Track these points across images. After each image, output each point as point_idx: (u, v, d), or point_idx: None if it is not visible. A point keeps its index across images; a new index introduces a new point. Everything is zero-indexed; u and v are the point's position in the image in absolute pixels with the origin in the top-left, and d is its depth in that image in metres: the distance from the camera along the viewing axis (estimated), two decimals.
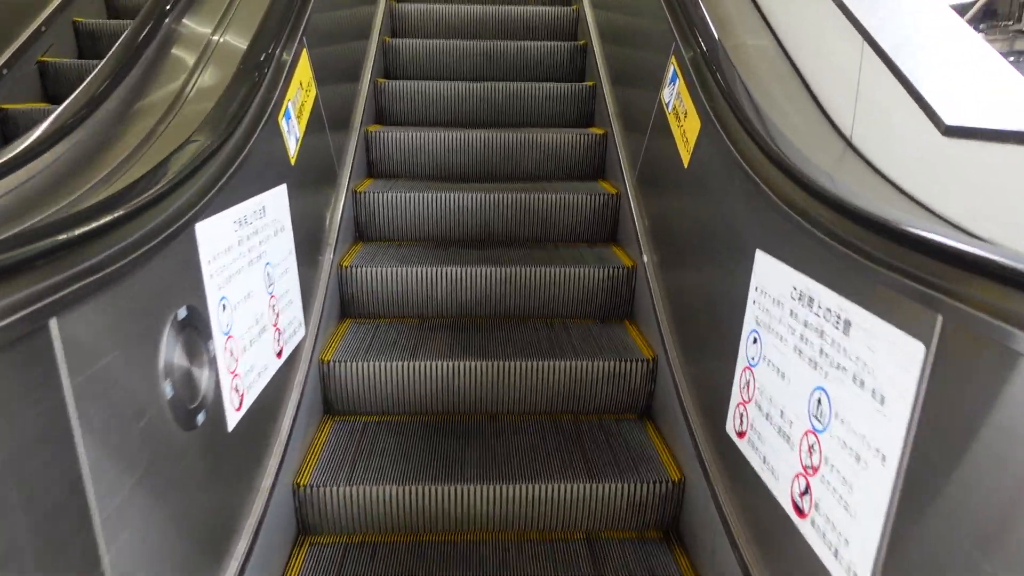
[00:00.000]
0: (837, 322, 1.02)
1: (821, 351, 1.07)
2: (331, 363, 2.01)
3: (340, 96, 2.50)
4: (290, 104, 1.74)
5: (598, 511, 1.79)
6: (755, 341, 1.32)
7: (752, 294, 1.34)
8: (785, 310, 1.19)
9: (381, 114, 3.13)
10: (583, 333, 2.26)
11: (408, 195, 2.58)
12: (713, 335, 1.62)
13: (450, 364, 2.03)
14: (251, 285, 1.39)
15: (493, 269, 2.31)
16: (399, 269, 2.30)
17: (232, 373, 1.28)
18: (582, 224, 2.65)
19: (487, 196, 2.59)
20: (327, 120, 2.17)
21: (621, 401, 2.10)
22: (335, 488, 1.74)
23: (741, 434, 1.39)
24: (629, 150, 2.58)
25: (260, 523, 1.43)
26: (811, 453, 1.09)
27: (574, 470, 1.82)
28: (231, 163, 1.29)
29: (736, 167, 1.42)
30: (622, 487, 1.78)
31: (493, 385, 2.05)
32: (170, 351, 1.04)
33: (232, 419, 1.29)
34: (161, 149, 1.18)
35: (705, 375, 1.68)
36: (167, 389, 1.03)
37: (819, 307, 1.08)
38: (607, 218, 2.64)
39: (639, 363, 2.06)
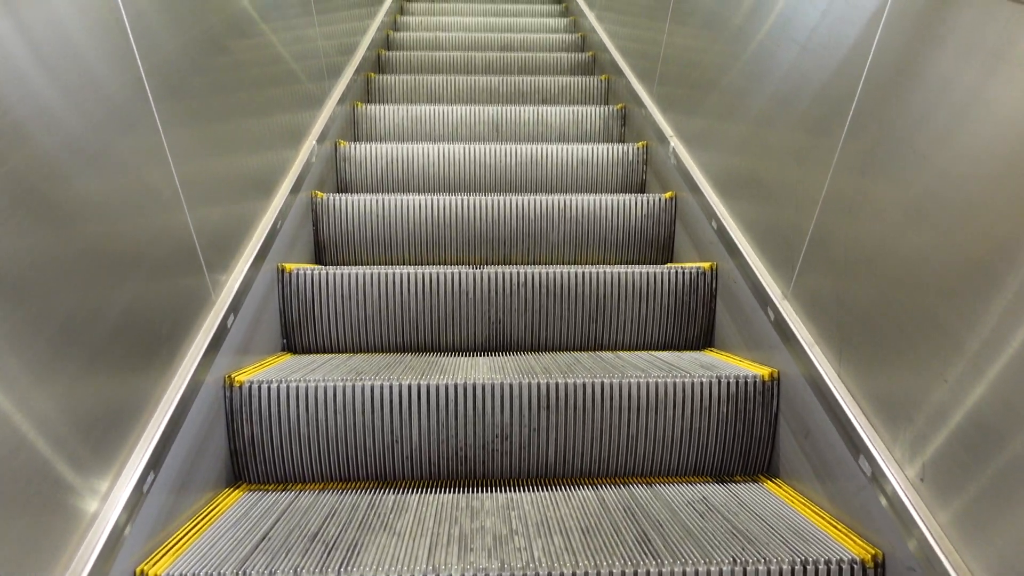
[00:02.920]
0: None
1: None
2: None
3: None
4: None
5: None
6: None
7: None
8: None
9: (343, 183, 2.21)
10: (689, 503, 1.16)
11: (373, 274, 1.58)
12: None
13: None
14: None
15: (515, 384, 1.26)
16: (339, 385, 1.25)
17: None
18: (653, 318, 1.62)
19: (502, 275, 1.60)
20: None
21: None
22: None
23: None
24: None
25: None
26: None
27: None
28: None
29: None
30: None
31: None
32: None
33: None
34: None
35: None
36: None
37: None
38: (696, 310, 1.62)
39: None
